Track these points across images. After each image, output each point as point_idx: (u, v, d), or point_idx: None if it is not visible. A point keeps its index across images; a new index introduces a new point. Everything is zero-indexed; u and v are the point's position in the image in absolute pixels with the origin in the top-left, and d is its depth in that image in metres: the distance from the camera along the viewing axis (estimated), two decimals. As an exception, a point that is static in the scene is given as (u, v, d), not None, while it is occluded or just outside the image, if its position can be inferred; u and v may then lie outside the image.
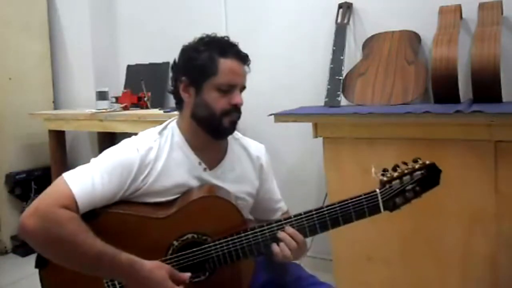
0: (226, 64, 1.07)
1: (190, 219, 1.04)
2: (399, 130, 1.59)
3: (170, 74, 1.17)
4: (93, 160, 1.05)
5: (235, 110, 1.10)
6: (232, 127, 1.12)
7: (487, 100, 1.62)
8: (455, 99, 1.70)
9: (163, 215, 1.04)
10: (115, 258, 0.94)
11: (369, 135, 1.64)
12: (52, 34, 3.19)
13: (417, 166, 1.05)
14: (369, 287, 1.71)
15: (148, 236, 1.02)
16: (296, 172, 2.37)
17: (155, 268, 0.98)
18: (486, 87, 1.62)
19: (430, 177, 1.05)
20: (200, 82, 1.08)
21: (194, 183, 1.10)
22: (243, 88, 1.12)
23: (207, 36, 1.13)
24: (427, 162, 1.06)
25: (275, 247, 1.03)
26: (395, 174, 1.04)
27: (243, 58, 1.11)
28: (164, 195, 1.07)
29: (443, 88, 1.71)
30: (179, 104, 1.15)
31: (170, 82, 1.16)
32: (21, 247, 2.78)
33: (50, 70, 3.17)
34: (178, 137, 1.12)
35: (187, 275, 1.02)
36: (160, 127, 1.15)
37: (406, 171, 1.05)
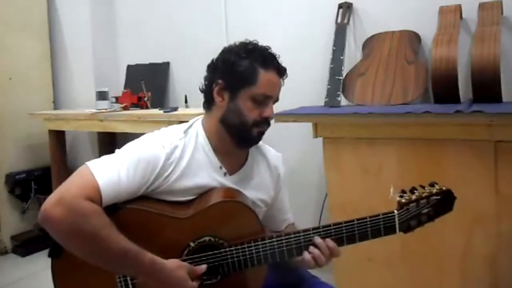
0: (266, 76, 1.06)
1: (209, 222, 1.04)
2: (399, 130, 1.59)
3: (205, 74, 1.15)
4: (117, 151, 1.04)
5: (266, 122, 1.10)
6: (259, 138, 1.12)
7: (487, 100, 1.62)
8: (455, 99, 1.70)
9: (183, 215, 1.03)
10: (138, 257, 0.94)
11: (369, 135, 1.64)
12: (52, 34, 3.19)
13: (434, 190, 1.08)
14: None
15: (166, 235, 1.02)
16: (296, 172, 2.36)
17: (176, 268, 0.98)
18: (486, 87, 1.62)
19: (445, 202, 1.08)
20: (236, 89, 1.07)
21: (213, 186, 1.10)
22: (276, 100, 1.12)
23: (250, 43, 1.12)
24: (444, 188, 1.08)
25: (307, 255, 1.05)
26: (413, 197, 1.07)
27: (282, 72, 1.11)
28: (183, 195, 1.07)
29: (443, 88, 1.71)
30: (208, 104, 1.13)
31: (203, 81, 1.15)
32: (21, 247, 2.78)
33: (50, 70, 3.17)
34: (202, 138, 1.11)
35: (204, 267, 1.02)
36: (185, 126, 1.13)
37: (423, 195, 1.07)
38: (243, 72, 1.06)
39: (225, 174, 1.12)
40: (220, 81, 1.08)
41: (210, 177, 1.09)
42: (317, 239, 1.05)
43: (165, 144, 1.05)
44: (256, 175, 1.18)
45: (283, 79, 1.13)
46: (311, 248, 1.05)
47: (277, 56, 1.12)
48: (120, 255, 0.93)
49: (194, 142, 1.10)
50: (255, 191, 1.16)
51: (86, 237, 0.91)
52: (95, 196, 0.93)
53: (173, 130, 1.11)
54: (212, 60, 1.14)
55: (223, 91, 1.08)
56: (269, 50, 1.12)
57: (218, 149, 1.11)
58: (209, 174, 1.09)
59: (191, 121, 1.16)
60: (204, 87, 1.14)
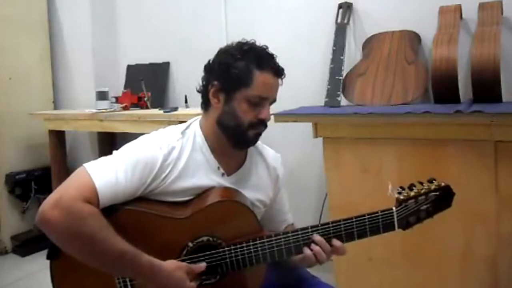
0: (261, 77, 1.05)
1: (207, 221, 1.04)
2: (399, 130, 1.59)
3: (203, 74, 1.14)
4: (115, 152, 1.04)
5: (262, 124, 1.09)
6: (256, 139, 1.12)
7: (487, 100, 1.62)
8: (455, 99, 1.70)
9: (181, 215, 1.03)
10: (136, 259, 0.93)
11: (369, 135, 1.64)
12: (52, 34, 3.19)
13: (432, 187, 1.07)
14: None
15: (164, 235, 1.02)
16: (296, 172, 2.36)
17: (174, 269, 0.98)
18: (486, 87, 1.62)
19: (443, 198, 1.08)
20: (232, 91, 1.06)
21: (212, 186, 1.10)
22: (273, 101, 1.11)
23: (246, 43, 1.10)
24: (442, 183, 1.08)
25: (307, 251, 1.05)
26: (412, 194, 1.06)
27: (279, 72, 1.09)
28: (181, 196, 1.07)
29: (443, 88, 1.71)
30: (205, 105, 1.13)
31: (200, 82, 1.14)
32: (21, 247, 2.79)
33: (50, 70, 3.17)
34: (200, 138, 1.11)
35: (203, 265, 1.02)
36: (183, 126, 1.13)
37: (422, 191, 1.07)
38: (238, 74, 1.05)
39: (223, 174, 1.12)
40: (215, 82, 1.08)
41: (208, 178, 1.09)
42: (317, 237, 1.05)
43: (163, 145, 1.05)
44: (254, 176, 1.18)
45: (281, 79, 1.11)
46: (312, 245, 1.05)
47: (274, 56, 1.10)
48: (118, 257, 0.93)
49: (192, 142, 1.09)
50: (253, 192, 1.16)
51: (84, 239, 0.91)
52: (92, 198, 0.93)
53: (171, 131, 1.11)
54: (209, 61, 1.13)
55: (219, 93, 1.08)
56: (266, 50, 1.10)
57: (216, 150, 1.11)
58: (207, 174, 1.09)
59: (189, 122, 1.16)
60: (201, 88, 1.14)
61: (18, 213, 2.90)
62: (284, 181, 1.28)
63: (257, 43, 1.12)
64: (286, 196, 1.30)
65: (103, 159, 1.01)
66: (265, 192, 1.20)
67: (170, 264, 0.98)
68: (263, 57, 1.07)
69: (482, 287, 1.50)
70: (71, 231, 0.90)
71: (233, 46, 1.11)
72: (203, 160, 1.09)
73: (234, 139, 1.09)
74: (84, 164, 0.99)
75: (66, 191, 0.93)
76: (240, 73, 1.05)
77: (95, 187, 0.94)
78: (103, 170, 0.97)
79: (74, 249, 0.93)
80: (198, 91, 1.15)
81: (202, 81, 1.14)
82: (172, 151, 1.05)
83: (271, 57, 1.09)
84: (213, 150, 1.11)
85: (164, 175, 1.03)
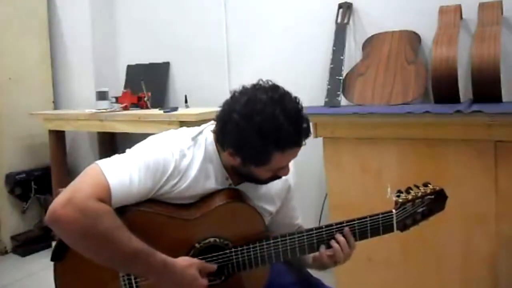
0: (281, 158, 0.98)
1: (214, 223, 1.05)
2: (399, 130, 1.59)
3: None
4: (128, 151, 1.02)
5: (280, 177, 1.08)
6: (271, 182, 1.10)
7: (487, 100, 1.62)
8: (455, 99, 1.70)
9: (189, 216, 1.03)
10: (149, 257, 0.93)
11: (369, 135, 1.64)
12: (52, 34, 3.19)
13: (428, 190, 1.12)
14: None
15: (172, 236, 1.02)
16: (296, 172, 2.36)
17: (186, 267, 0.98)
18: (486, 87, 1.62)
19: (438, 202, 1.12)
20: (248, 164, 1.01)
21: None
22: None
23: (267, 119, 0.94)
24: (437, 187, 1.12)
25: (323, 250, 1.07)
26: (409, 197, 1.10)
27: (303, 140, 1.00)
28: (188, 200, 1.06)
29: (443, 88, 1.71)
30: (221, 145, 1.04)
31: (216, 120, 1.05)
32: (21, 247, 2.79)
33: (50, 70, 3.17)
34: (212, 147, 1.07)
35: (215, 266, 1.04)
36: (194, 132, 1.09)
37: (418, 195, 1.10)
38: (255, 154, 0.98)
39: (230, 185, 1.10)
40: (231, 149, 1.01)
41: (216, 187, 1.08)
42: (339, 236, 1.06)
43: (175, 151, 1.02)
44: (263, 186, 1.15)
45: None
46: (332, 242, 1.06)
47: (303, 124, 0.98)
48: (132, 256, 0.92)
49: (203, 152, 1.06)
50: (259, 201, 1.14)
51: (99, 237, 0.90)
52: (105, 197, 0.92)
53: (182, 136, 1.08)
54: (223, 120, 1.01)
55: (235, 156, 1.02)
56: (294, 122, 0.96)
57: (226, 164, 1.08)
58: (216, 184, 1.08)
59: (202, 127, 1.12)
60: (216, 129, 1.05)
61: (18, 213, 2.90)
62: (296, 188, 1.25)
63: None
64: (296, 203, 1.28)
65: (117, 158, 1.00)
66: (272, 202, 1.18)
67: (183, 261, 0.98)
68: (287, 139, 0.96)
69: (482, 287, 1.50)
70: (85, 230, 0.89)
71: (251, 116, 0.95)
72: (213, 170, 1.07)
73: (249, 181, 1.09)
74: (97, 162, 0.97)
75: (79, 189, 0.92)
76: (258, 154, 0.97)
77: (109, 187, 0.92)
78: (118, 170, 0.95)
79: (87, 247, 0.92)
80: (213, 132, 1.07)
81: (216, 125, 1.04)
82: (183, 158, 1.03)
83: (298, 132, 0.97)
84: (223, 162, 1.08)
85: (174, 181, 1.02)
